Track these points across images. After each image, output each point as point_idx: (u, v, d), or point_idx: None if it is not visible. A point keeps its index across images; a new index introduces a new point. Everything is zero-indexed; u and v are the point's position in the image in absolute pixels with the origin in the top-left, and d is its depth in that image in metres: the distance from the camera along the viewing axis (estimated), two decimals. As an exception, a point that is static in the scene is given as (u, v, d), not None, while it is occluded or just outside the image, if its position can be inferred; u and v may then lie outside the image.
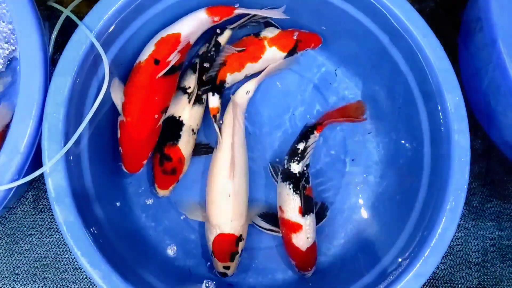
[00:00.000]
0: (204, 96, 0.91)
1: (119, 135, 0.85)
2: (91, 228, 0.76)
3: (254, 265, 0.94)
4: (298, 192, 0.86)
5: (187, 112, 0.89)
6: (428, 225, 0.80)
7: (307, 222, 0.86)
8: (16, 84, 0.75)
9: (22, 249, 0.95)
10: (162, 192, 0.91)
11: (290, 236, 0.87)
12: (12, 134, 0.73)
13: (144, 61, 0.83)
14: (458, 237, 1.00)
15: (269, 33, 0.90)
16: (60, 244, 0.96)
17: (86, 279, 0.96)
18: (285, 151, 0.92)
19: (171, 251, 0.91)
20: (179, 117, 0.89)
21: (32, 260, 0.95)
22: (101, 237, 0.78)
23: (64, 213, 0.74)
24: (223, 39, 0.90)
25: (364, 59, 0.94)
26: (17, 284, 0.95)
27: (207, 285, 0.87)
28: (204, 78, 0.89)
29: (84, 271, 0.87)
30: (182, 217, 0.95)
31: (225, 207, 0.86)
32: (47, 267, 0.95)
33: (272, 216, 0.91)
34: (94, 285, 0.94)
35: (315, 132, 0.88)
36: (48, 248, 0.96)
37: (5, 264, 0.95)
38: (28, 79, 0.75)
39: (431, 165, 0.85)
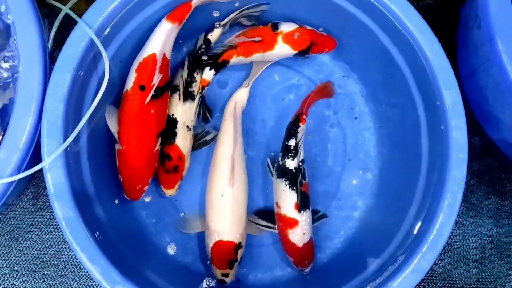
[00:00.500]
0: (196, 93, 0.91)
1: (117, 163, 0.86)
2: (90, 224, 0.76)
3: (253, 262, 0.94)
4: (294, 188, 0.86)
5: (179, 109, 0.89)
6: (425, 220, 0.80)
7: (303, 218, 0.87)
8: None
9: (21, 246, 0.96)
10: (169, 192, 0.91)
11: (287, 232, 0.87)
12: (12, 130, 0.74)
13: (130, 89, 0.83)
14: (456, 234, 1.00)
15: (286, 27, 0.89)
16: (60, 240, 0.97)
17: (85, 276, 0.96)
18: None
19: (171, 249, 0.91)
20: (172, 115, 0.89)
21: (31, 256, 0.96)
22: (100, 234, 0.78)
23: (63, 209, 0.74)
24: (213, 37, 0.90)
25: (362, 56, 0.94)
26: (16, 281, 0.95)
27: (207, 282, 0.87)
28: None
29: (83, 267, 0.87)
30: (182, 214, 0.95)
31: (224, 213, 0.86)
32: (47, 263, 0.96)
33: (268, 213, 0.91)
34: (94, 281, 0.94)
35: (300, 124, 0.88)
36: (47, 245, 0.96)
37: (4, 261, 0.95)
38: (28, 76, 0.75)
39: (428, 161, 0.85)
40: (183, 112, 0.89)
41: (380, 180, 0.95)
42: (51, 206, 0.75)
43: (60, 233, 0.94)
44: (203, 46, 0.90)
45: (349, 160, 0.96)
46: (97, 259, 0.73)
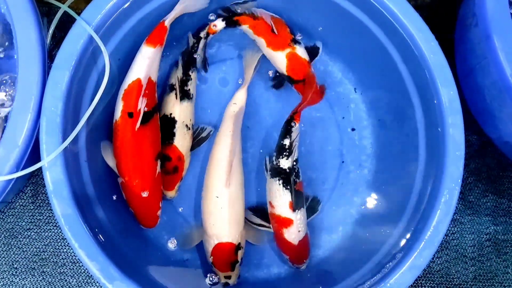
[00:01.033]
0: (192, 91, 0.91)
1: (124, 196, 0.85)
2: (89, 221, 0.76)
3: (250, 260, 0.94)
4: (288, 187, 0.86)
5: (177, 109, 0.89)
6: (423, 217, 0.81)
7: (298, 217, 0.86)
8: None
9: (20, 244, 0.96)
10: (169, 194, 0.90)
11: (282, 231, 0.87)
12: (10, 127, 0.74)
13: (119, 118, 0.82)
14: (454, 231, 1.01)
15: (300, 51, 0.89)
16: (59, 238, 0.97)
17: (84, 273, 0.96)
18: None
19: (171, 244, 0.91)
20: (170, 114, 0.89)
21: (30, 254, 0.96)
22: (99, 231, 0.78)
23: (62, 206, 0.74)
24: (204, 34, 0.91)
25: (360, 54, 0.94)
26: (15, 278, 0.96)
27: (211, 279, 0.87)
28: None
29: (82, 265, 0.88)
30: (180, 209, 0.95)
31: (221, 215, 0.86)
32: (46, 261, 0.96)
33: (261, 209, 0.91)
34: (93, 278, 0.94)
35: (294, 124, 0.88)
36: (46, 243, 0.96)
37: (3, 259, 0.96)
38: (26, 73, 0.75)
39: (425, 158, 0.85)
40: (181, 111, 0.89)
41: (376, 176, 0.95)
42: (50, 203, 0.75)
43: (60, 230, 0.94)
44: (196, 45, 0.90)
45: (343, 161, 0.96)
46: (96, 255, 0.74)
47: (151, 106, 0.83)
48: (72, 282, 0.95)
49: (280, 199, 0.85)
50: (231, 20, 0.89)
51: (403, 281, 0.75)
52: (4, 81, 0.79)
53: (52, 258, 0.96)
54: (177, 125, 0.88)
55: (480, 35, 0.82)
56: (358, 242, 0.92)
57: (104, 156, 0.82)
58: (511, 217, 1.01)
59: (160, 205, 0.87)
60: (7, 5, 0.74)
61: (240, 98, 0.91)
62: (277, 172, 0.87)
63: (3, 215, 0.97)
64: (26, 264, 0.96)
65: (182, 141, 0.89)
